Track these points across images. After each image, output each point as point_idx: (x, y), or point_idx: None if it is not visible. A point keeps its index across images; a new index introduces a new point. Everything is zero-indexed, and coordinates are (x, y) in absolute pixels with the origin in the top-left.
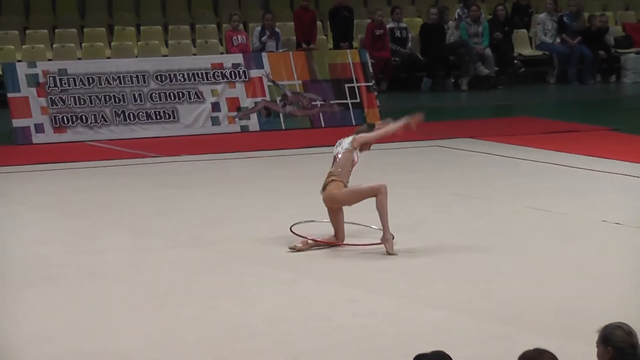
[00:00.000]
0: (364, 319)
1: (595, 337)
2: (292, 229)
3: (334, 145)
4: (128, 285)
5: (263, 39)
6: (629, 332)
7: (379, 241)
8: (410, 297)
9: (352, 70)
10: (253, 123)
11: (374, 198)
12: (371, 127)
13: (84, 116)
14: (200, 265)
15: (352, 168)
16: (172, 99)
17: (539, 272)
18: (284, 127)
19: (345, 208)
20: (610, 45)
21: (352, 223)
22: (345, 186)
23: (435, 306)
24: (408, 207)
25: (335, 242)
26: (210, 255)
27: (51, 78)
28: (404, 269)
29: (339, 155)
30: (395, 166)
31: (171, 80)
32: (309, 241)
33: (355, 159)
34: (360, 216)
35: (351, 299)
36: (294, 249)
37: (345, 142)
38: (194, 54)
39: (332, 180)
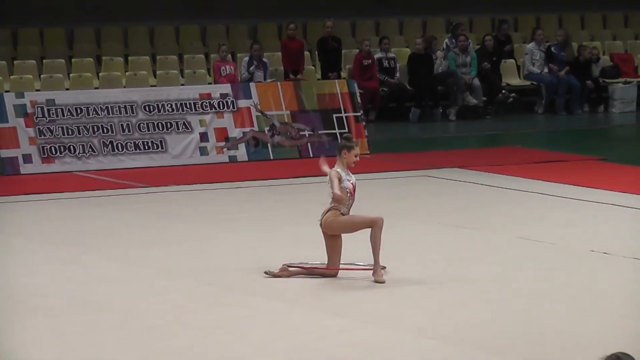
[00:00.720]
0: (354, 348)
1: None
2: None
3: (321, 175)
4: (118, 316)
5: (251, 69)
6: None
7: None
8: (399, 327)
9: (340, 100)
10: (241, 153)
11: (369, 229)
12: (349, 141)
13: (72, 146)
14: (189, 296)
15: (349, 195)
16: (160, 129)
17: (528, 302)
18: (272, 157)
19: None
20: (595, 76)
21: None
22: (343, 214)
23: (423, 335)
24: (396, 237)
25: (326, 268)
26: (199, 285)
27: (39, 108)
28: (392, 298)
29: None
30: (383, 196)
31: (159, 111)
32: (290, 268)
33: (348, 185)
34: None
35: (341, 329)
36: (269, 274)
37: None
38: (182, 84)
39: (331, 208)
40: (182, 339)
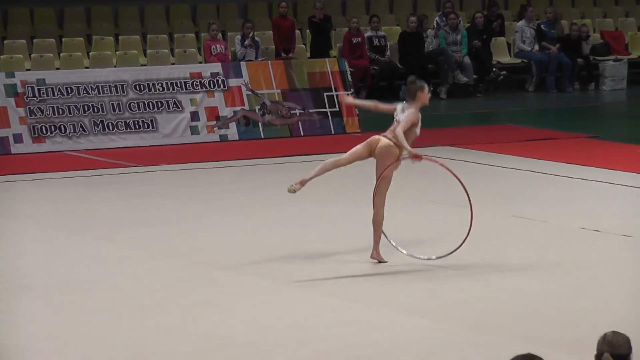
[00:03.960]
0: (346, 327)
1: (576, 344)
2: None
3: (312, 154)
4: (109, 296)
5: (245, 42)
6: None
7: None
8: (390, 306)
9: (331, 78)
10: (232, 132)
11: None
12: (418, 81)
13: (62, 126)
14: (180, 275)
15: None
16: (151, 108)
17: (520, 280)
18: (263, 136)
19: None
20: (586, 54)
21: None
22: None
23: (415, 314)
24: (387, 215)
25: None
26: (190, 265)
27: (29, 88)
28: (384, 277)
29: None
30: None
31: (150, 90)
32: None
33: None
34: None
35: (333, 308)
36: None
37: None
38: (173, 64)
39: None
40: (173, 318)
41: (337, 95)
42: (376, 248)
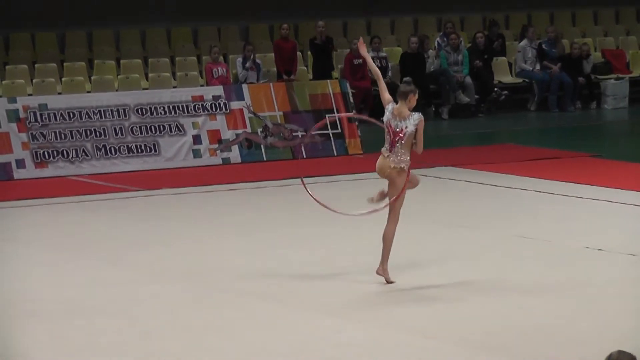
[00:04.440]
0: (352, 349)
1: None
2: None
3: (315, 176)
4: (113, 320)
5: (247, 64)
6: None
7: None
8: (396, 326)
9: (333, 100)
10: (234, 155)
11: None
12: (409, 84)
13: (65, 151)
14: (184, 298)
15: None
16: (153, 132)
17: (523, 299)
18: (265, 159)
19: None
20: (587, 73)
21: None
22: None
23: (421, 335)
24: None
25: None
26: (194, 288)
27: (32, 113)
28: (388, 298)
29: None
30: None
31: (152, 114)
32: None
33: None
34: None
35: (337, 330)
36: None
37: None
38: (174, 87)
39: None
40: (178, 342)
41: (338, 116)
42: (383, 264)
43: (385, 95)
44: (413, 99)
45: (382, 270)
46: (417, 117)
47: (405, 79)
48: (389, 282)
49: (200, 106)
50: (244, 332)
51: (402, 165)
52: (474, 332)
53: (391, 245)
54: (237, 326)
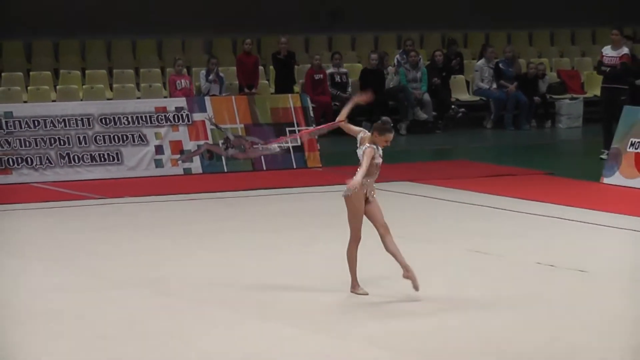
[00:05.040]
0: (305, 358)
1: None
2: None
3: (275, 188)
4: (71, 325)
5: (210, 77)
6: None
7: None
8: (349, 337)
9: (294, 114)
10: (196, 166)
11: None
12: (384, 124)
13: (29, 158)
14: (142, 306)
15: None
16: (116, 141)
17: (475, 314)
18: (226, 170)
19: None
20: (542, 92)
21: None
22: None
23: (374, 345)
24: (345, 250)
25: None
26: (152, 295)
27: None
28: (343, 309)
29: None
30: (335, 209)
31: (115, 123)
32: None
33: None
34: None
35: (292, 339)
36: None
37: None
38: (138, 98)
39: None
40: (135, 348)
41: (298, 130)
42: (353, 281)
43: (353, 128)
44: (387, 137)
45: (353, 288)
46: (368, 145)
47: (385, 118)
48: (363, 294)
49: (163, 117)
50: (201, 339)
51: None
52: (427, 345)
53: (353, 263)
54: (194, 333)
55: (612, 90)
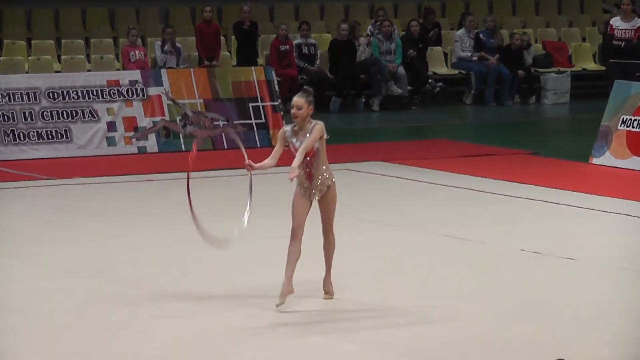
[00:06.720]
0: (268, 352)
1: None
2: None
3: (237, 168)
4: (17, 316)
5: (165, 48)
6: None
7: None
8: (318, 330)
9: (257, 88)
10: (151, 144)
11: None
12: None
13: None
14: (93, 295)
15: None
16: (65, 117)
17: (454, 304)
18: (184, 149)
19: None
20: (527, 65)
21: None
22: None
23: (345, 339)
24: (313, 233)
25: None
26: (104, 283)
27: None
28: (308, 301)
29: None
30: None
31: (64, 98)
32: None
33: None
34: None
35: (256, 332)
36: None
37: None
38: (89, 70)
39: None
40: (86, 340)
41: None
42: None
43: (281, 149)
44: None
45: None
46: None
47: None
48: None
49: (116, 91)
50: (156, 331)
51: (328, 183)
52: (401, 338)
53: (329, 257)
54: (150, 325)
55: (626, 66)
